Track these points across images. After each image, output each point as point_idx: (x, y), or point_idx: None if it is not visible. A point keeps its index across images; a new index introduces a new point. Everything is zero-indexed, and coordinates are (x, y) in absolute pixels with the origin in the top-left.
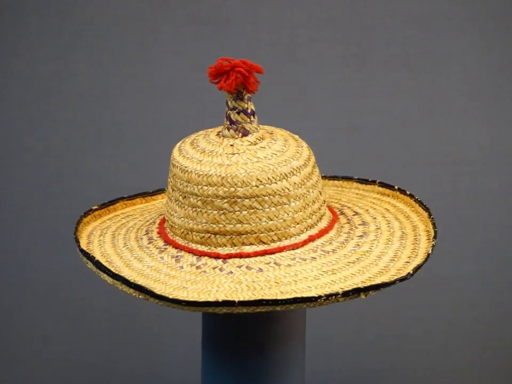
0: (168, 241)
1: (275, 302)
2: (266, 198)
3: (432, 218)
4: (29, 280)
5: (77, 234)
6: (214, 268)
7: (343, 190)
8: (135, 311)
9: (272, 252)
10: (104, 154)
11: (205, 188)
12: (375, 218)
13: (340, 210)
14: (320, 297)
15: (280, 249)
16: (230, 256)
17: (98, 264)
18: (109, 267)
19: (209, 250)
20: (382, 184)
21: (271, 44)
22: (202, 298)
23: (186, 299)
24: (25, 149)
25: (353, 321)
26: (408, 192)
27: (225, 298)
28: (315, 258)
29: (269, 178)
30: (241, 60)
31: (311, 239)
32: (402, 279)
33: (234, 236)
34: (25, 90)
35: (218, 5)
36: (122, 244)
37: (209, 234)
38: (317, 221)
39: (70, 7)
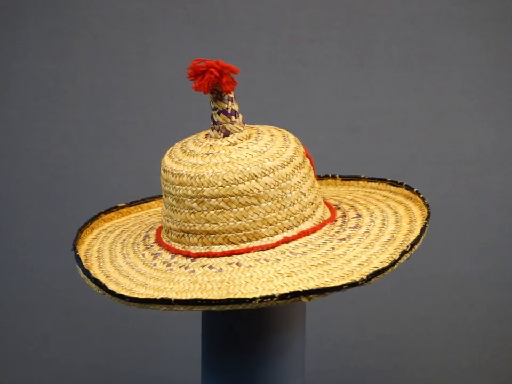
0: (157, 239)
1: (209, 302)
2: (233, 198)
3: (425, 223)
4: (28, 280)
5: (81, 230)
6: (180, 266)
7: (375, 192)
8: (134, 311)
9: (239, 253)
10: (104, 154)
11: (177, 187)
12: (373, 221)
13: (343, 212)
14: (254, 299)
15: (248, 250)
16: (199, 255)
17: (76, 259)
18: (94, 262)
19: (182, 249)
20: (407, 187)
21: (271, 44)
22: (156, 295)
23: (130, 295)
24: (24, 149)
25: (354, 321)
26: (421, 195)
27: (163, 296)
28: (279, 260)
29: (235, 179)
30: (216, 60)
31: (286, 240)
32: (352, 285)
33: (203, 236)
34: (25, 90)
35: (218, 5)
36: (121, 240)
37: (183, 233)
38: (297, 222)
39: (70, 7)
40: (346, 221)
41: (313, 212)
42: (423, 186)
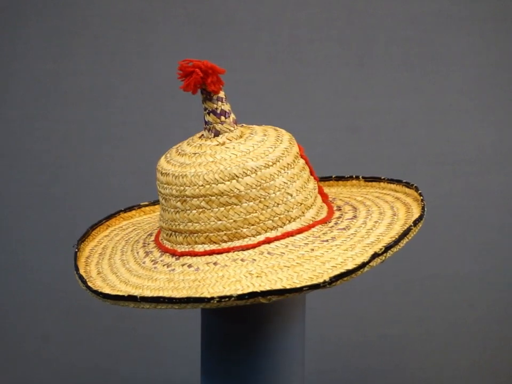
0: (155, 238)
1: (171, 300)
2: (213, 198)
3: (411, 226)
4: (28, 280)
5: (94, 228)
6: (164, 265)
7: (389, 194)
8: (135, 311)
9: (219, 252)
10: (104, 154)
11: (165, 186)
12: (365, 222)
13: (342, 214)
14: (212, 298)
15: (228, 250)
16: (183, 254)
17: (74, 255)
18: (94, 259)
19: (170, 247)
20: (416, 189)
21: (271, 44)
22: (132, 292)
23: (104, 292)
24: (24, 149)
25: (354, 321)
26: (421, 198)
27: (134, 293)
28: (255, 260)
29: (215, 179)
30: (203, 61)
31: (267, 241)
32: (313, 287)
33: (187, 235)
34: (25, 90)
35: (218, 5)
36: (127, 238)
37: (170, 232)
38: (282, 223)
39: (70, 7)
40: (339, 222)
41: (303, 212)
42: (423, 186)
